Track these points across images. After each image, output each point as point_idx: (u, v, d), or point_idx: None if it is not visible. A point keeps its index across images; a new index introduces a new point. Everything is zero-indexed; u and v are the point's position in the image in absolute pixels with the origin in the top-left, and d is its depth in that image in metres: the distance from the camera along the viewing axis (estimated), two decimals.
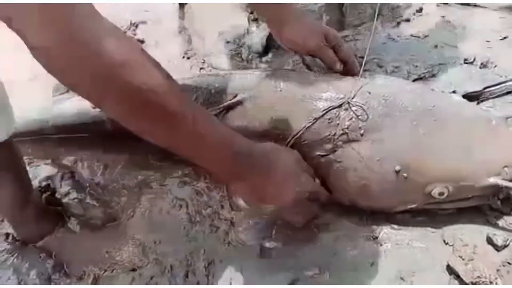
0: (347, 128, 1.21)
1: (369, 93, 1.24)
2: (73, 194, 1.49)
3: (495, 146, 1.18)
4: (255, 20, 2.39)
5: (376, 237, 1.27)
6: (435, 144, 1.18)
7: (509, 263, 1.13)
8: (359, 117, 1.21)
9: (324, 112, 1.22)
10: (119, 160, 1.67)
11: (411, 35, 2.03)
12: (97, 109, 1.64)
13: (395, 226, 1.29)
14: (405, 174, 1.18)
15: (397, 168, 1.17)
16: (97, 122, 1.66)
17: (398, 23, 2.10)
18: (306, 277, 1.24)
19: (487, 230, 1.23)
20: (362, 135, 1.20)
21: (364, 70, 1.85)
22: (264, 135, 1.32)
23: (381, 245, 1.27)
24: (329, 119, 1.23)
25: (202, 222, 1.44)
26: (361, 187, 1.22)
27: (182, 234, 1.42)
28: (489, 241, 1.20)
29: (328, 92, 1.27)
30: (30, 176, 1.57)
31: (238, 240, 1.37)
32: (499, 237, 1.18)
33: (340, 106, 1.23)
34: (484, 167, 1.16)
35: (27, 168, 1.62)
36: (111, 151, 1.71)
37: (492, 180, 1.15)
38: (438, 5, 2.11)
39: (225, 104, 1.33)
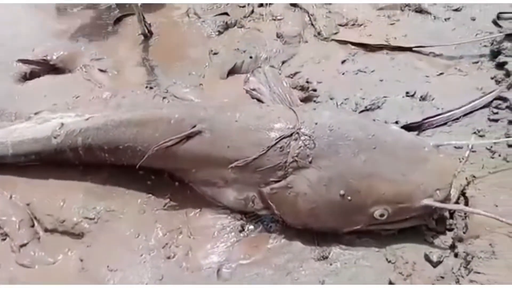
0: (296, 156, 1.31)
1: (316, 123, 1.36)
2: (29, 247, 1.55)
3: (428, 171, 1.31)
4: (216, 53, 2.52)
5: (326, 257, 1.36)
6: (374, 169, 1.30)
7: (442, 277, 1.25)
8: (307, 146, 1.32)
9: (276, 141, 1.32)
10: (78, 191, 1.69)
11: (359, 70, 2.20)
12: (58, 138, 1.69)
13: (343, 246, 1.39)
14: (349, 197, 1.29)
15: (342, 192, 1.28)
16: (58, 151, 1.69)
17: (344, 61, 2.29)
18: None
19: (424, 248, 1.35)
20: (310, 162, 1.31)
21: (316, 102, 2.03)
22: (221, 162, 1.41)
23: (330, 264, 1.36)
24: (280, 147, 1.34)
25: (160, 248, 1.48)
26: (311, 210, 1.32)
27: (139, 261, 1.46)
28: (426, 258, 1.31)
29: (279, 123, 1.38)
30: None
31: (196, 265, 1.41)
32: (435, 254, 1.30)
33: (290, 135, 1.33)
34: (418, 190, 1.29)
35: None
36: (70, 182, 1.73)
37: (426, 202, 1.27)
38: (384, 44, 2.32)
39: (185, 133, 1.41)
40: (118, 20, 2.88)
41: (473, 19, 2.48)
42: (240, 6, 2.91)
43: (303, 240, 1.42)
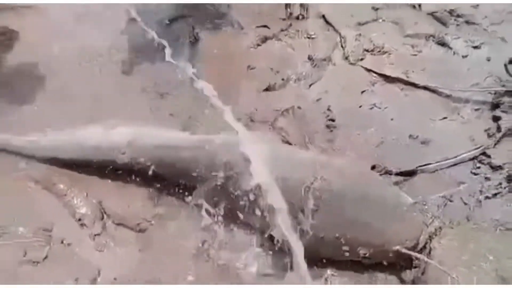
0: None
1: (326, 179, 1.79)
2: (102, 237, 2.07)
3: (403, 225, 1.75)
4: (253, 68, 2.89)
5: (320, 277, 1.84)
6: (363, 220, 1.74)
7: None
8: (315, 196, 1.76)
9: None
10: (140, 195, 2.20)
11: (375, 105, 2.55)
12: (125, 155, 2.17)
13: (334, 271, 1.85)
14: (342, 240, 1.74)
15: (337, 235, 1.74)
16: (124, 165, 2.18)
17: (364, 91, 2.63)
18: None
19: (393, 279, 1.80)
20: (316, 209, 1.76)
21: (332, 131, 2.42)
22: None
23: (321, 282, 1.84)
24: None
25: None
26: (313, 244, 1.78)
27: (184, 260, 1.97)
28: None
29: (297, 174, 1.82)
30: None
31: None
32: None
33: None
34: (393, 239, 1.72)
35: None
36: (134, 187, 2.24)
37: (398, 247, 1.71)
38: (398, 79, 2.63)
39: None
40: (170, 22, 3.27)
41: (488, 60, 2.74)
42: (281, 19, 3.23)
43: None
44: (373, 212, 1.76)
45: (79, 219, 2.16)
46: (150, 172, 2.14)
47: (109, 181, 2.29)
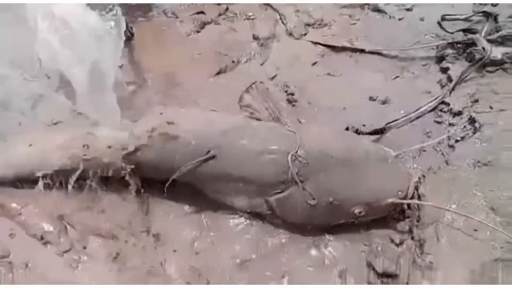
0: (296, 173, 1.70)
1: (308, 145, 1.75)
2: (72, 252, 1.87)
3: (391, 178, 1.76)
4: (199, 54, 2.78)
5: (318, 245, 1.80)
6: (353, 180, 1.73)
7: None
8: (303, 165, 1.71)
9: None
10: (106, 200, 2.00)
11: (329, 74, 2.58)
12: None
13: (331, 237, 1.82)
14: (336, 203, 1.71)
15: (331, 199, 1.70)
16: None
17: (315, 63, 2.65)
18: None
19: (390, 232, 1.81)
20: (306, 178, 1.71)
21: (294, 105, 2.39)
22: (233, 179, 1.78)
23: (320, 249, 1.80)
24: (282, 167, 1.72)
25: (189, 246, 1.85)
26: (308, 214, 1.74)
27: (173, 257, 1.83)
28: (391, 240, 1.79)
29: (278, 146, 1.76)
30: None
31: (220, 257, 1.81)
32: (397, 238, 1.78)
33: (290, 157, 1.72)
34: (385, 193, 1.73)
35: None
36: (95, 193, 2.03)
37: (391, 200, 1.72)
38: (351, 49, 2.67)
39: (201, 158, 1.75)
40: None
41: (422, 19, 2.88)
42: (216, 4, 3.15)
43: (301, 232, 1.83)
44: (361, 169, 1.75)
45: (41, 237, 1.91)
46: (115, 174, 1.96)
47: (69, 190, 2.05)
